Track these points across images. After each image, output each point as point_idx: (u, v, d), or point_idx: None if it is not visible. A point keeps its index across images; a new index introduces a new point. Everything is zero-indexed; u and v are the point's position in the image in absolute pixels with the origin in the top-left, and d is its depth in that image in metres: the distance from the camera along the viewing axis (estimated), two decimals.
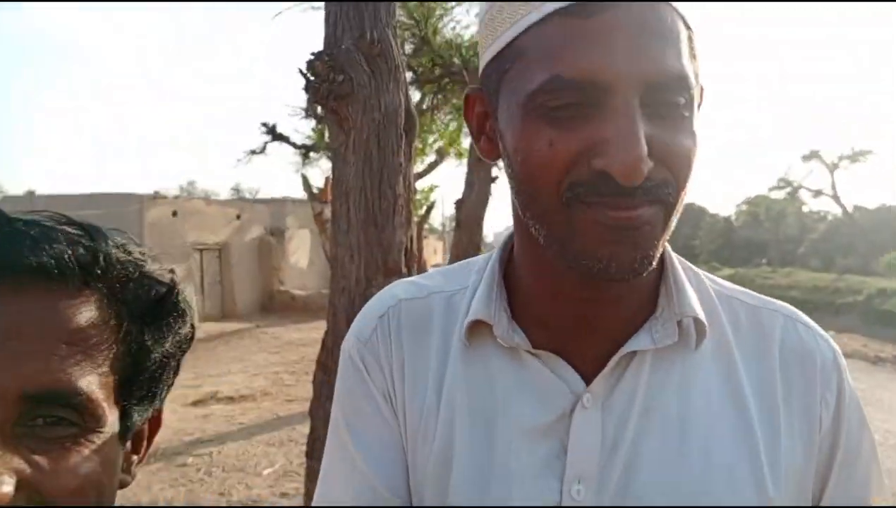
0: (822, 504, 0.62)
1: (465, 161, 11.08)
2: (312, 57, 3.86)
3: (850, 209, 37.31)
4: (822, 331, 0.67)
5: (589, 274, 0.55)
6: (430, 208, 18.10)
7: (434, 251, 42.75)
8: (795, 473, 0.60)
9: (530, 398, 0.62)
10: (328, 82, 3.72)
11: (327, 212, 11.59)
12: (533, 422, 0.61)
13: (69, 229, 0.50)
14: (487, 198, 9.93)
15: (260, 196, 28.37)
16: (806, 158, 38.40)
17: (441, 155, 14.19)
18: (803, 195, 41.02)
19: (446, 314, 0.68)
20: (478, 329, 0.64)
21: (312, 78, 3.84)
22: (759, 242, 43.84)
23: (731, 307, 0.66)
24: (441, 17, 9.75)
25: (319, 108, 6.89)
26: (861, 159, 36.50)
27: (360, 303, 0.80)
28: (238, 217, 17.00)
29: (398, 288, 0.73)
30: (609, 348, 0.61)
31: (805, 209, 44.53)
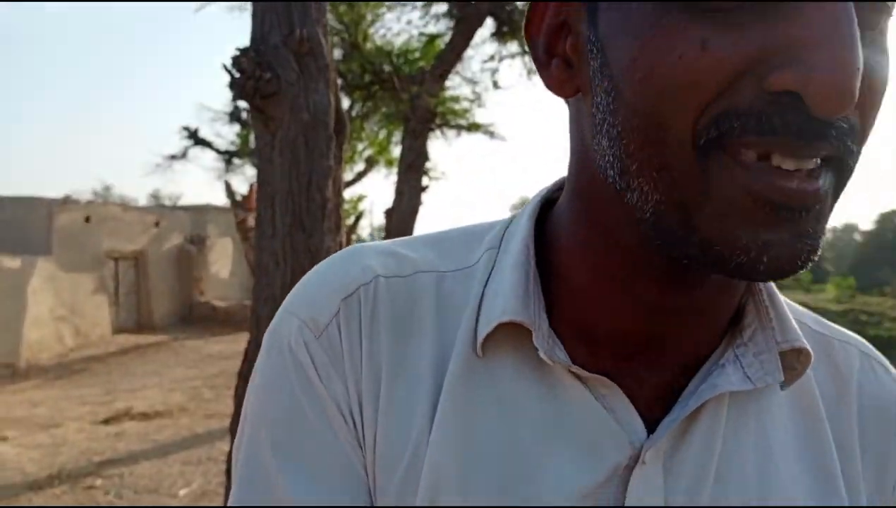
0: None
1: (394, 170, 11.04)
2: (238, 53, 3.69)
3: None
4: (892, 369, 0.55)
5: (720, 269, 0.37)
6: (358, 217, 17.88)
7: None
8: None
9: (571, 444, 0.43)
10: (254, 79, 3.57)
11: (251, 220, 11.24)
12: (575, 483, 0.43)
13: None
14: (418, 208, 9.89)
15: (181, 203, 27.39)
16: None
17: (370, 163, 14.16)
18: None
19: (439, 305, 0.47)
20: (498, 335, 0.45)
21: (238, 74, 3.68)
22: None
23: (820, 341, 0.52)
24: (372, 22, 9.71)
25: (245, 106, 6.67)
26: None
27: None
28: (157, 224, 16.34)
29: (370, 256, 0.49)
30: (674, 380, 0.45)
31: None
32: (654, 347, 0.44)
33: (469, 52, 9.52)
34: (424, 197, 10.12)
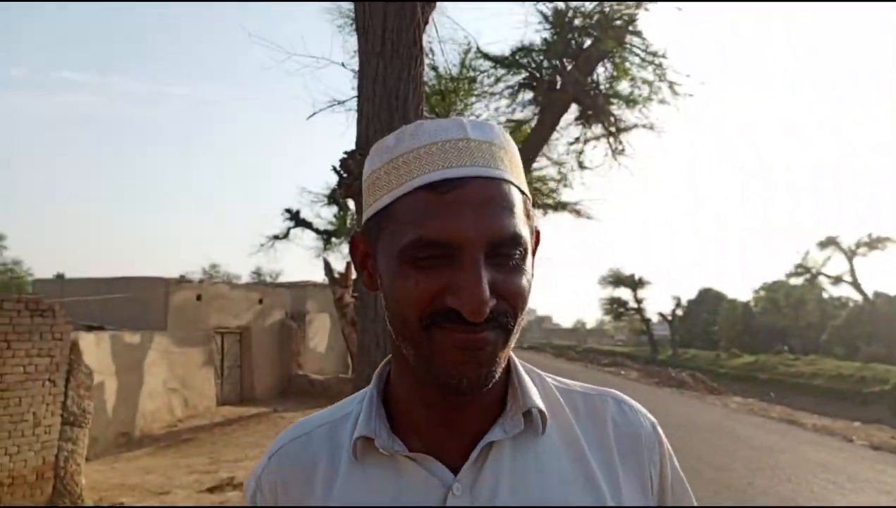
0: None
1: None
2: (345, 155, 4.12)
3: (871, 295, 36.86)
4: (642, 409, 0.84)
5: (446, 389, 0.68)
6: None
7: None
8: None
9: (410, 495, 0.72)
10: (359, 179, 3.96)
11: (347, 297, 11.74)
12: None
13: None
14: None
15: (281, 279, 28.70)
16: (823, 245, 38.39)
17: None
18: (822, 281, 40.72)
19: (330, 441, 0.79)
20: (365, 445, 0.75)
21: (345, 174, 4.09)
22: (780, 328, 43.11)
23: (571, 398, 0.81)
24: (462, 111, 10.18)
25: (351, 202, 7.16)
26: (880, 246, 36.41)
27: None
28: (260, 301, 17.12)
29: (293, 427, 0.85)
30: (472, 443, 0.73)
31: (825, 295, 44.08)
32: (454, 429, 0.75)
33: (554, 135, 9.81)
34: None
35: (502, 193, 0.68)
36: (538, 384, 0.80)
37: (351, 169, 4.04)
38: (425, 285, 0.66)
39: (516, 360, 0.79)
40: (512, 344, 0.70)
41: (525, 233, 0.69)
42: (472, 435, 0.74)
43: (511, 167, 0.71)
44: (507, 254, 0.68)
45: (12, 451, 6.20)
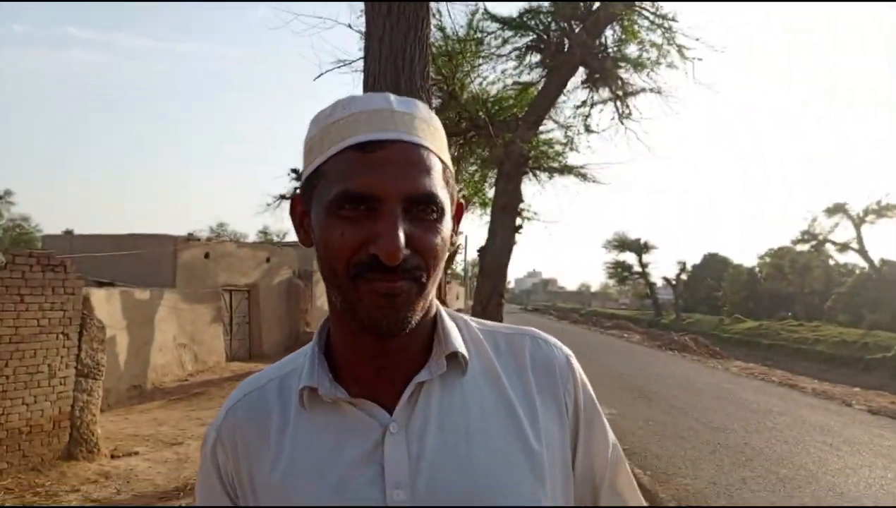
0: (580, 446, 0.88)
1: (489, 210, 11.28)
2: None
3: (877, 263, 36.79)
4: (556, 342, 0.92)
5: (370, 331, 0.76)
6: (453, 254, 18.27)
7: (456, 296, 42.86)
8: (555, 439, 0.85)
9: (352, 436, 0.80)
10: None
11: None
12: (357, 452, 0.79)
13: None
14: (511, 247, 10.03)
15: (287, 239, 28.85)
16: (830, 212, 38.18)
17: (466, 203, 14.39)
18: (829, 248, 40.62)
19: (280, 394, 0.86)
20: (311, 395, 0.82)
21: None
22: (785, 295, 43.25)
23: (494, 339, 0.90)
24: (468, 73, 10.11)
25: None
26: (888, 214, 36.19)
27: None
28: (268, 260, 17.30)
29: (247, 381, 0.92)
30: (404, 386, 0.81)
31: (831, 262, 44.01)
32: (386, 373, 0.82)
33: (561, 98, 9.75)
34: (518, 237, 10.36)
35: (421, 157, 0.77)
36: (463, 329, 0.88)
37: None
38: (350, 235, 0.74)
39: (442, 310, 0.87)
40: (429, 295, 0.78)
41: (442, 195, 0.77)
42: (403, 379, 0.81)
43: (432, 138, 0.80)
44: (424, 210, 0.75)
45: (29, 401, 6.40)
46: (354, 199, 0.74)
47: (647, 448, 7.79)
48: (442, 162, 0.80)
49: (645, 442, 8.08)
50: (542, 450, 0.82)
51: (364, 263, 0.73)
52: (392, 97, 0.80)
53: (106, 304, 11.50)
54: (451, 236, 0.81)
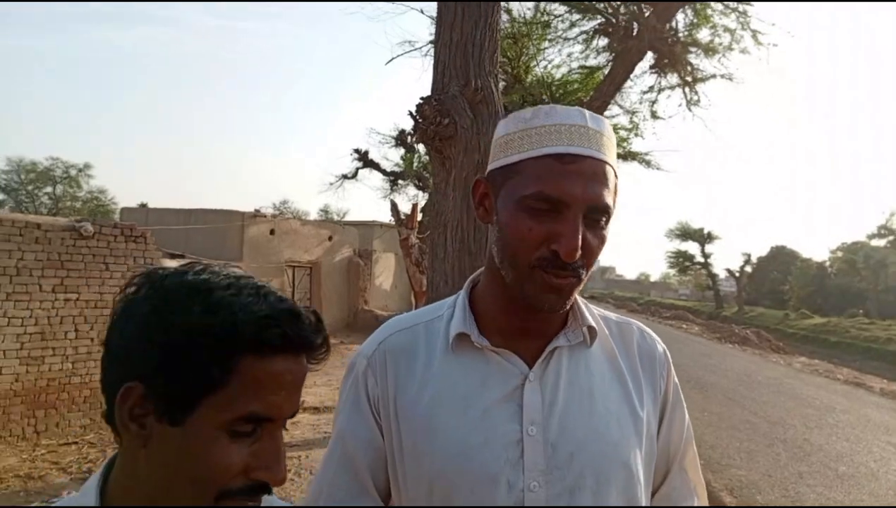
0: (664, 423, 1.05)
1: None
2: (421, 101, 4.27)
3: None
4: (656, 336, 1.10)
5: (532, 308, 0.94)
6: None
7: None
8: (650, 412, 1.02)
9: (495, 379, 0.97)
10: (434, 125, 4.11)
11: (413, 238, 12.03)
12: (502, 390, 0.97)
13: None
14: None
15: (347, 218, 29.37)
16: None
17: None
18: None
19: (427, 336, 1.03)
20: (460, 340, 0.99)
21: (420, 120, 4.25)
22: (856, 291, 41.41)
23: (608, 323, 1.07)
24: (534, 56, 10.05)
25: (421, 146, 7.34)
26: None
27: None
28: (330, 238, 17.70)
29: (393, 321, 1.08)
30: (543, 346, 0.99)
31: None
32: (530, 334, 0.99)
33: (628, 83, 9.60)
34: None
35: (604, 172, 0.91)
36: (588, 310, 1.05)
37: (426, 114, 4.19)
38: (536, 230, 0.89)
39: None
40: (582, 286, 0.95)
41: (612, 205, 0.92)
42: (541, 340, 0.99)
43: (611, 153, 0.94)
44: (597, 218, 0.90)
45: None
46: (547, 200, 0.89)
47: (702, 438, 7.73)
48: (615, 174, 0.95)
49: (699, 433, 8.01)
50: (643, 416, 1.00)
51: (545, 258, 0.89)
52: (587, 114, 0.94)
53: None
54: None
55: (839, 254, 45.64)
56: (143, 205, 18.96)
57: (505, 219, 0.92)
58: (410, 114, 4.31)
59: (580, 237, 0.87)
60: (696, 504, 1.07)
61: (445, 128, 4.08)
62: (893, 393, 13.25)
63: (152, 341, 0.65)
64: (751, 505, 3.99)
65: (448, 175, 4.15)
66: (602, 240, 0.92)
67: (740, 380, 12.28)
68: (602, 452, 0.94)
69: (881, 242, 39.34)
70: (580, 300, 1.01)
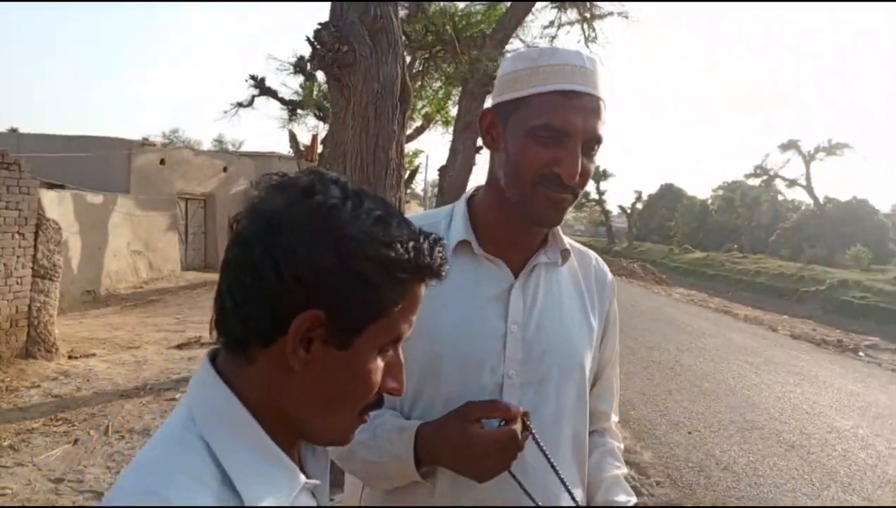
0: (604, 339, 1.26)
1: (451, 128, 11.23)
2: (319, 27, 4.15)
3: (822, 200, 38.21)
4: (607, 267, 1.31)
5: (535, 223, 1.11)
6: (413, 172, 18.22)
7: None
8: (597, 327, 1.22)
9: (490, 280, 1.14)
10: (333, 52, 4.02)
11: None
12: (492, 292, 1.14)
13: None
14: (472, 167, 10.09)
15: (243, 149, 28.19)
16: (784, 147, 39.10)
17: (428, 120, 14.30)
18: (778, 184, 41.88)
19: None
20: (461, 246, 1.14)
21: (318, 46, 4.15)
22: (733, 227, 44.69)
23: (574, 249, 1.23)
24: None
25: (320, 74, 7.10)
26: (838, 152, 37.29)
27: None
28: (225, 169, 17.04)
29: None
30: (525, 260, 1.16)
31: (780, 198, 45.48)
32: (518, 247, 1.15)
33: (529, 17, 9.66)
34: (478, 157, 10.42)
35: (600, 108, 1.06)
36: (563, 236, 1.21)
37: (325, 41, 4.10)
38: (542, 155, 1.03)
39: None
40: (575, 202, 1.10)
41: (603, 135, 1.07)
42: (525, 255, 1.16)
43: (606, 91, 1.08)
44: (592, 148, 1.06)
45: None
46: (553, 130, 1.02)
47: None
48: (605, 107, 1.08)
49: None
50: (595, 329, 1.21)
51: (546, 177, 1.04)
52: (585, 56, 1.08)
53: (58, 207, 11.29)
54: None
55: (720, 192, 48.82)
56: (14, 130, 17.39)
57: (514, 146, 1.06)
58: (308, 40, 4.19)
59: (579, 163, 1.02)
60: (614, 400, 1.31)
61: (344, 56, 4.01)
62: (755, 318, 14.67)
63: (346, 270, 0.66)
64: (746, 506, 4.41)
65: (347, 103, 4.10)
66: (593, 165, 1.08)
67: (624, 309, 13.10)
68: (567, 353, 1.14)
69: (756, 181, 42.39)
70: (557, 227, 1.18)
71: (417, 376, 1.07)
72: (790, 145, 38.57)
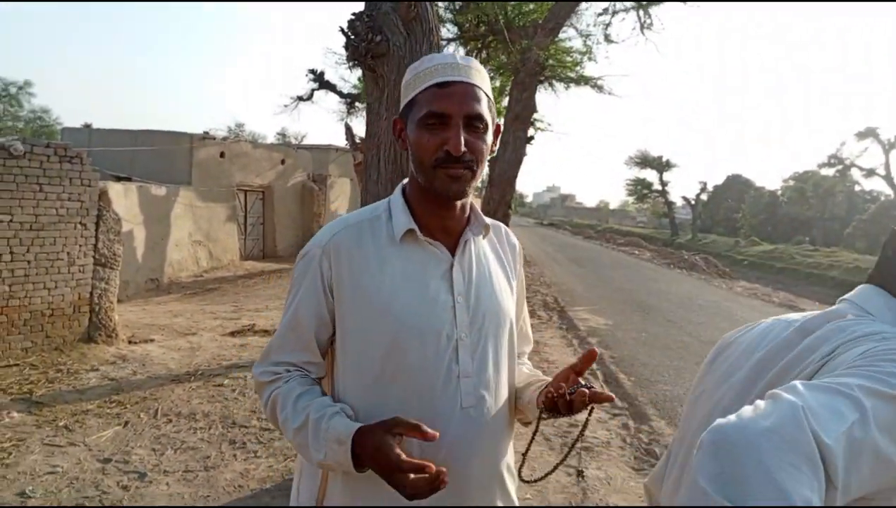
0: (517, 297, 1.47)
1: (502, 119, 11.15)
2: (353, 17, 4.15)
3: None
4: (514, 236, 1.53)
5: (441, 197, 1.26)
6: None
7: None
8: (515, 285, 1.46)
9: (434, 261, 1.32)
10: (366, 42, 4.01)
11: None
12: (437, 272, 1.31)
13: None
14: (522, 158, 9.99)
15: (305, 142, 28.74)
16: (861, 136, 37.12)
17: None
18: (854, 174, 39.77)
19: (372, 230, 1.32)
20: (406, 234, 1.30)
21: (352, 36, 4.15)
22: (804, 219, 42.75)
23: (491, 224, 1.42)
24: None
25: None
26: None
27: None
28: (283, 161, 17.40)
29: (340, 219, 1.37)
30: (457, 240, 1.35)
31: (857, 189, 43.19)
32: (446, 229, 1.34)
33: (582, 4, 9.45)
34: (529, 148, 10.29)
35: (475, 92, 1.24)
36: (482, 214, 1.40)
37: (358, 31, 4.09)
38: (432, 139, 1.21)
39: (473, 201, 1.38)
40: (476, 178, 1.26)
41: (487, 116, 1.24)
42: (455, 236, 1.35)
43: (482, 81, 1.27)
44: (475, 125, 1.23)
45: (50, 286, 6.76)
46: (434, 116, 1.21)
47: (636, 356, 8.10)
48: (487, 96, 1.27)
49: (635, 352, 8.40)
50: (514, 290, 1.45)
51: (441, 158, 1.21)
52: (458, 56, 1.28)
53: (123, 199, 11.78)
54: (492, 145, 1.28)
55: (791, 183, 46.78)
56: (87, 126, 18.22)
57: (412, 139, 1.25)
58: (342, 30, 4.19)
59: (462, 137, 1.19)
60: (531, 344, 1.58)
61: (377, 46, 4.00)
62: None
63: None
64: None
65: (381, 94, 4.08)
66: (483, 140, 1.24)
67: (681, 303, 12.76)
68: (499, 313, 1.36)
69: (830, 171, 40.38)
70: (476, 206, 1.38)
71: (386, 349, 1.25)
72: (868, 133, 36.57)
